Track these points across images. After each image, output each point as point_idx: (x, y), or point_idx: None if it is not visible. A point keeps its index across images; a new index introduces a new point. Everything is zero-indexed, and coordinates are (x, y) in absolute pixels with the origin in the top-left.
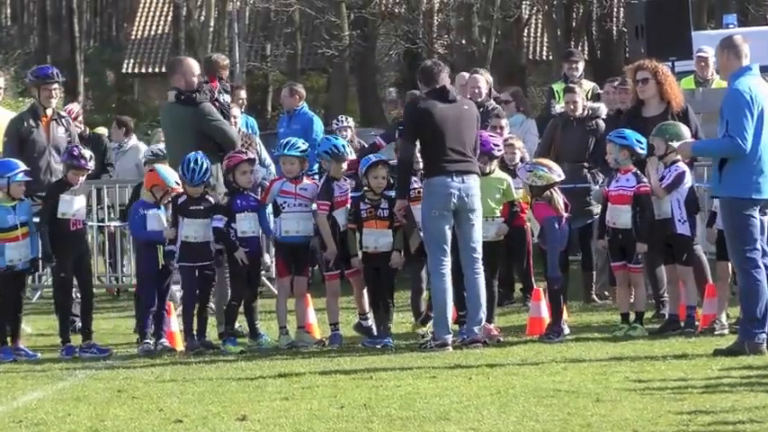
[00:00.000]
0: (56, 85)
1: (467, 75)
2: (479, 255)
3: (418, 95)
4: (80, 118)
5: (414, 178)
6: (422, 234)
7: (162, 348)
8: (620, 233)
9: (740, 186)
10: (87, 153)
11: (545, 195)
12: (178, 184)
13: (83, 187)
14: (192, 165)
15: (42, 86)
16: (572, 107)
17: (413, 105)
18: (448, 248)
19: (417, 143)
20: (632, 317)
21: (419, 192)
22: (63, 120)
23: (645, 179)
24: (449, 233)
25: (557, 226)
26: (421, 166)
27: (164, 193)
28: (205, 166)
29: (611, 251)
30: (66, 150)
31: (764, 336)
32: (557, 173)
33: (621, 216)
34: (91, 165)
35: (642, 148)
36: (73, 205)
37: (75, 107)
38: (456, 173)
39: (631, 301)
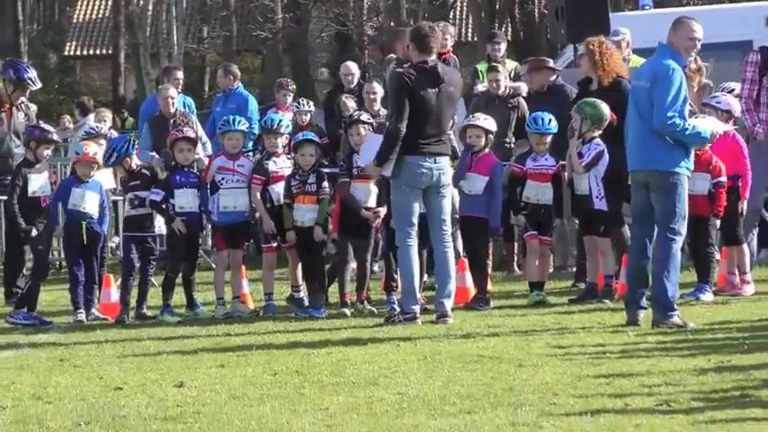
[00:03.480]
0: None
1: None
2: (448, 228)
3: (405, 67)
4: None
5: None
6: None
7: (94, 318)
8: (542, 208)
9: None
10: (49, 126)
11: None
12: (78, 154)
13: (44, 164)
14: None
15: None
16: (494, 85)
17: (402, 82)
18: (415, 222)
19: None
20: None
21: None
22: (23, 105)
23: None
24: (417, 209)
25: (500, 173)
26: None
27: (80, 167)
28: (115, 147)
29: (529, 223)
30: (29, 130)
31: (643, 311)
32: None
33: (546, 193)
34: (56, 136)
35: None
36: (40, 182)
37: None
38: (430, 154)
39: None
